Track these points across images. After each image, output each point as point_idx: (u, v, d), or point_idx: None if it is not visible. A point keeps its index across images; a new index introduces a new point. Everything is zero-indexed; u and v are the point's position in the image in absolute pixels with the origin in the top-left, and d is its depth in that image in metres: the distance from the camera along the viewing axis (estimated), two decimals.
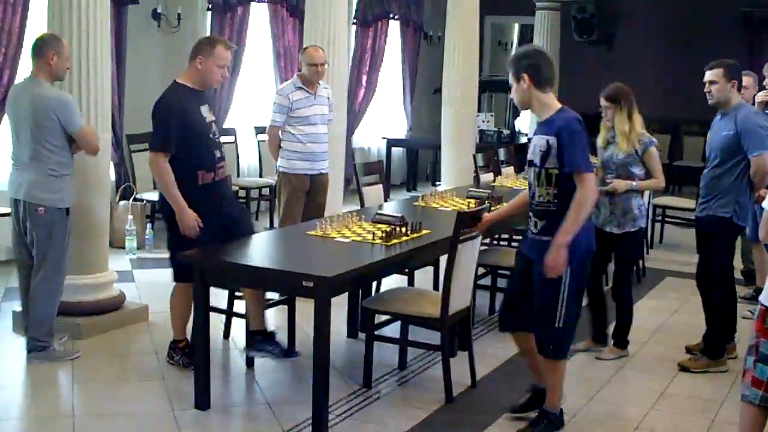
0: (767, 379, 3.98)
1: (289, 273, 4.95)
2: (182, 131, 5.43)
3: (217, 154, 5.67)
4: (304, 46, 7.92)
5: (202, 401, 5.11)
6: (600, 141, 6.41)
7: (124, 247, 8.78)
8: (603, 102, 6.29)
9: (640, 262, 8.53)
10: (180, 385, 5.41)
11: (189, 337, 5.68)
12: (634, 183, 6.17)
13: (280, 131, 7.47)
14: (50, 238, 5.73)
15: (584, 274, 4.89)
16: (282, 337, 5.77)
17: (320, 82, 7.52)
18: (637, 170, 6.20)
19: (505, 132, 14.45)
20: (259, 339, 5.72)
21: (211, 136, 5.65)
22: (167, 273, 8.04)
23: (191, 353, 5.54)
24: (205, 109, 5.61)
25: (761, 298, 4.14)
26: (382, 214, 5.97)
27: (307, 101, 7.37)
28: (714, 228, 6.07)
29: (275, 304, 6.00)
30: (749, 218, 6.18)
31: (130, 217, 8.89)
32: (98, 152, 6.00)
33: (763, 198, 5.69)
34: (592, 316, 6.44)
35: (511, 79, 4.84)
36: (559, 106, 4.80)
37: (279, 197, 7.37)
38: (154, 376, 5.63)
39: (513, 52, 5.19)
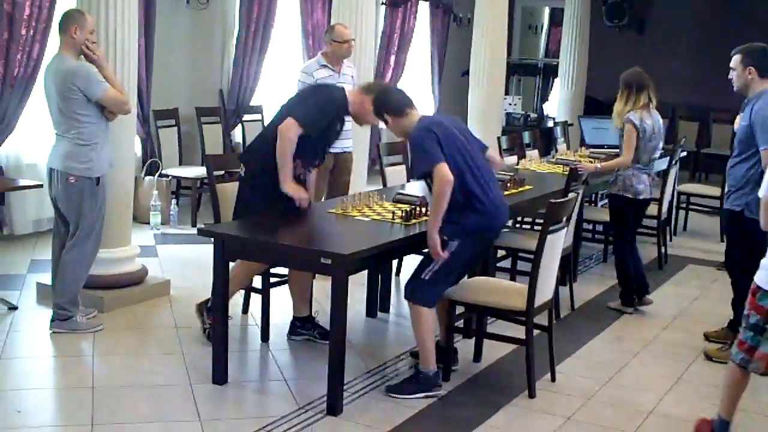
0: (748, 342, 4.47)
1: (308, 249, 5.01)
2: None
3: (316, 160, 5.86)
4: (330, 24, 7.95)
5: (220, 376, 5.16)
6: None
7: (148, 223, 8.85)
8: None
9: (663, 249, 8.52)
10: (198, 360, 5.47)
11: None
12: (599, 165, 7.17)
13: None
14: (81, 207, 5.80)
15: (470, 253, 5.19)
16: (323, 319, 5.86)
17: (344, 60, 7.54)
18: None
19: (533, 116, 14.41)
20: (298, 324, 5.96)
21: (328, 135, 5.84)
22: (190, 249, 8.23)
23: None
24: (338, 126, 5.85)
25: (755, 277, 4.52)
26: (403, 194, 5.98)
27: (331, 79, 7.36)
28: (729, 221, 6.08)
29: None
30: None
31: (155, 192, 8.95)
32: (130, 111, 6.07)
33: None
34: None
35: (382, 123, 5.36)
36: (417, 119, 5.15)
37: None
38: (174, 350, 5.69)
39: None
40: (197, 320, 5.92)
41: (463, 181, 5.00)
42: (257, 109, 10.65)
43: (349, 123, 7.29)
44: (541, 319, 5.46)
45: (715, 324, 6.49)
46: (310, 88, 5.77)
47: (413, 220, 5.49)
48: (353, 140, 7.66)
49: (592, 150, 9.37)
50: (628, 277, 6.98)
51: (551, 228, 5.19)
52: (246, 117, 10.49)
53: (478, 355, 5.77)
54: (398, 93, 5.32)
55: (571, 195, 5.92)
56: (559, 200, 5.35)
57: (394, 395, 5.15)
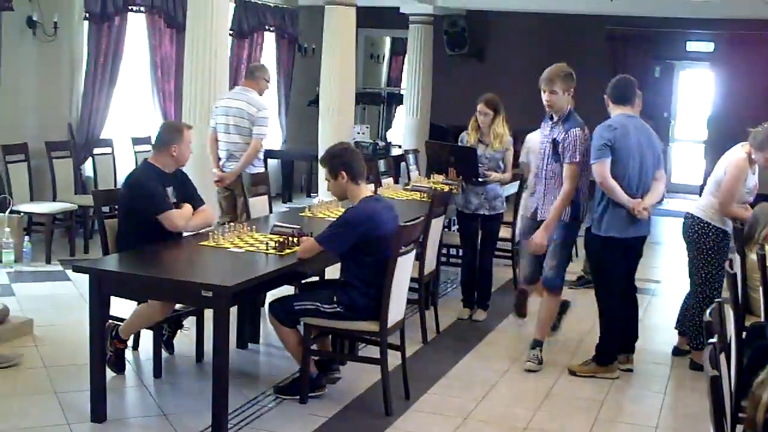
0: None
1: (188, 282, 5.00)
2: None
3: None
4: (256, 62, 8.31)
5: (99, 414, 5.08)
6: (472, 140, 7.52)
7: (1, 261, 8.57)
8: (482, 107, 7.29)
9: (516, 270, 8.79)
10: (74, 399, 5.37)
11: (131, 345, 6.04)
12: (500, 176, 7.49)
13: None
14: None
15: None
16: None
17: None
18: (503, 164, 7.46)
19: (381, 144, 14.65)
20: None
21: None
22: (48, 286, 8.03)
23: (119, 356, 5.81)
24: (170, 191, 5.90)
25: None
26: (281, 226, 5.97)
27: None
28: (585, 237, 6.54)
29: (186, 314, 6.04)
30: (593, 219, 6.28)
31: (7, 229, 8.68)
32: None
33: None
34: (473, 288, 7.70)
35: (326, 175, 5.48)
36: (363, 196, 5.47)
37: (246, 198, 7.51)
38: (46, 390, 5.56)
39: (326, 151, 5.63)
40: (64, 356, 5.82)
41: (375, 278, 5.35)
42: (107, 143, 10.46)
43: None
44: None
45: (575, 340, 6.79)
46: (133, 187, 5.85)
47: (287, 251, 5.56)
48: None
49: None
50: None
51: (401, 250, 5.38)
52: (96, 151, 10.29)
53: (333, 380, 5.88)
54: (360, 161, 5.51)
55: (419, 219, 6.07)
56: (406, 224, 5.53)
57: (280, 395, 5.60)
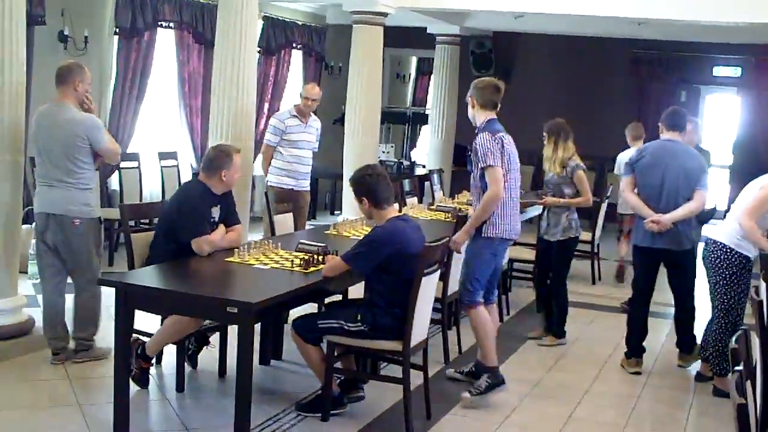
0: None
1: (213, 298, 5.01)
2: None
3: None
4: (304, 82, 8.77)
5: (121, 427, 5.08)
6: (544, 165, 7.64)
7: (26, 272, 8.63)
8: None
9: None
10: (97, 411, 5.39)
11: (154, 361, 6.05)
12: (562, 200, 7.31)
13: (273, 150, 8.93)
14: (87, 245, 6.13)
15: None
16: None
17: (312, 114, 8.83)
18: (568, 190, 7.37)
19: (405, 163, 14.67)
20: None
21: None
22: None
23: (144, 373, 5.86)
24: (216, 211, 6.06)
25: None
26: (306, 243, 6.01)
27: (299, 128, 8.82)
28: None
29: (213, 329, 6.06)
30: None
31: (33, 241, 8.72)
32: (120, 162, 7.06)
33: None
34: (544, 312, 7.67)
35: (354, 197, 5.56)
36: (389, 217, 5.50)
37: (269, 208, 7.64)
38: (69, 401, 5.59)
39: (353, 173, 5.63)
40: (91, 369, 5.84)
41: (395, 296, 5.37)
42: (134, 157, 10.51)
43: (309, 167, 9.07)
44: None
45: (597, 364, 6.77)
46: (182, 204, 5.92)
47: (312, 269, 5.58)
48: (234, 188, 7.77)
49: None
50: (566, 313, 7.69)
51: (426, 270, 5.38)
52: (123, 164, 10.32)
53: (356, 398, 5.88)
54: (386, 186, 5.51)
55: (443, 240, 6.04)
56: (431, 244, 5.53)
57: (301, 412, 5.62)
